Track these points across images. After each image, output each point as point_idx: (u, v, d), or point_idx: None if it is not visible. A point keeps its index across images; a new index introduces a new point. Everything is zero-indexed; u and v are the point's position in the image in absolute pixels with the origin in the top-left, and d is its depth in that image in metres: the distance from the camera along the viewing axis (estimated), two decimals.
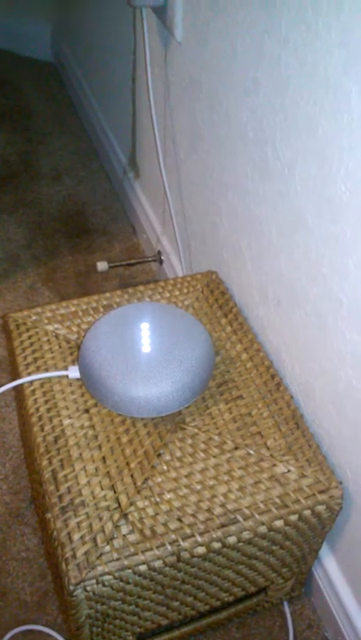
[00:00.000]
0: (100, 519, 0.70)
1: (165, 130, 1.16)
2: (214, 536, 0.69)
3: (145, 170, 1.41)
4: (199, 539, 0.69)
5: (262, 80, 0.75)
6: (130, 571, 0.67)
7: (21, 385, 0.83)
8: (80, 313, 0.92)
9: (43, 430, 0.78)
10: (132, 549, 0.67)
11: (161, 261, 1.38)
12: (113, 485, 0.73)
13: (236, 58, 0.81)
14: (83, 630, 0.75)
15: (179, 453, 0.76)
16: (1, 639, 0.89)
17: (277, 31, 0.70)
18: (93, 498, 0.71)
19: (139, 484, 0.73)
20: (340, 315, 0.70)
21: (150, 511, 0.71)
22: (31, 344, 0.88)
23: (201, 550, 0.69)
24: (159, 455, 0.76)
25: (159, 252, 1.38)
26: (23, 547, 0.98)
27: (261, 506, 0.72)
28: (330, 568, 0.87)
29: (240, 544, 0.72)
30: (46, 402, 0.81)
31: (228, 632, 0.91)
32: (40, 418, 0.79)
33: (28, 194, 1.68)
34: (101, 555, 0.67)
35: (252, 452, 0.77)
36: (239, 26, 0.78)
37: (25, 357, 0.86)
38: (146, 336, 0.80)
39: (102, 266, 1.34)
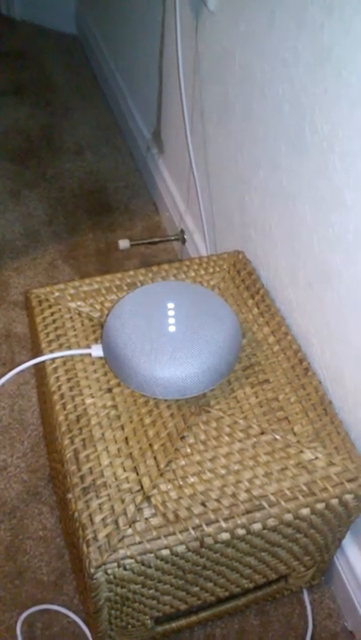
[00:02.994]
0: (123, 501, 0.68)
1: (194, 104, 1.13)
2: (239, 522, 0.67)
3: (170, 146, 1.38)
4: (223, 524, 0.67)
5: (302, 50, 0.72)
6: (152, 555, 0.66)
7: (43, 362, 0.82)
8: (103, 291, 0.90)
9: (65, 409, 0.76)
10: (154, 533, 0.66)
11: (184, 240, 1.35)
12: (135, 467, 0.71)
13: (273, 27, 0.78)
14: (101, 612, 0.74)
15: (203, 437, 0.74)
16: (17, 618, 0.89)
17: None
18: (115, 479, 0.70)
19: (162, 466, 0.71)
20: None
21: (174, 495, 0.69)
22: (53, 321, 0.86)
23: (225, 536, 0.68)
24: (183, 438, 0.74)
25: (182, 231, 1.35)
26: (40, 526, 0.98)
27: (288, 493, 0.70)
28: (352, 557, 0.85)
29: (264, 531, 0.70)
30: (68, 380, 0.79)
31: (246, 619, 0.89)
32: (62, 396, 0.77)
33: (50, 169, 1.66)
34: (123, 538, 0.65)
35: (278, 437, 0.74)
36: None
37: (47, 334, 0.84)
38: (171, 315, 0.78)
39: (124, 244, 1.32)
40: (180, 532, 0.66)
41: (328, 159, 0.71)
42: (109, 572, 0.65)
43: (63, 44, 2.16)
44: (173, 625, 0.83)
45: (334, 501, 0.71)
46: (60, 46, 2.15)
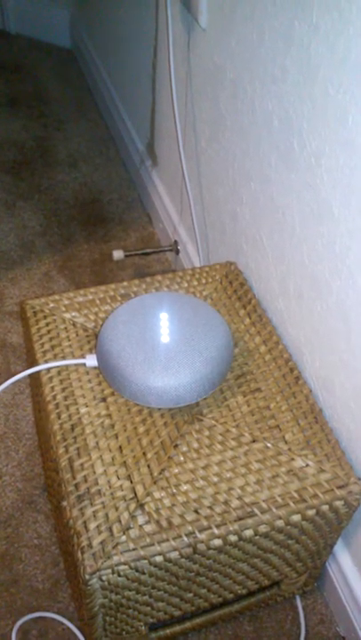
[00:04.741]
0: (117, 509, 0.69)
1: (186, 117, 1.15)
2: (231, 529, 0.69)
3: (163, 158, 1.40)
4: (216, 531, 0.68)
5: (290, 68, 0.74)
6: (145, 561, 0.67)
7: (38, 372, 0.83)
8: (97, 301, 0.92)
9: (59, 418, 0.77)
10: (148, 540, 0.67)
11: (177, 251, 1.37)
12: (129, 475, 0.72)
13: (263, 45, 0.80)
14: (96, 619, 0.74)
15: (196, 445, 0.76)
16: (12, 626, 0.89)
17: (308, 17, 0.68)
18: (110, 487, 0.71)
19: (155, 474, 0.72)
20: None
21: (167, 502, 0.70)
22: (48, 331, 0.87)
23: (217, 542, 0.69)
24: (176, 446, 0.75)
25: (176, 242, 1.37)
26: (35, 534, 0.98)
27: (279, 500, 0.71)
28: (344, 563, 0.86)
29: (256, 537, 0.71)
30: (63, 390, 0.80)
31: (239, 625, 0.90)
32: (57, 406, 0.78)
33: (44, 180, 1.67)
34: (117, 544, 0.66)
35: (269, 445, 0.76)
36: (267, 12, 0.77)
37: (42, 345, 0.85)
38: (165, 326, 0.79)
39: (118, 254, 1.34)
40: (173, 538, 0.67)
41: (316, 173, 0.73)
42: (104, 578, 0.66)
43: (58, 58, 2.19)
44: (168, 631, 0.84)
45: (325, 508, 0.72)
46: (54, 59, 2.18)
